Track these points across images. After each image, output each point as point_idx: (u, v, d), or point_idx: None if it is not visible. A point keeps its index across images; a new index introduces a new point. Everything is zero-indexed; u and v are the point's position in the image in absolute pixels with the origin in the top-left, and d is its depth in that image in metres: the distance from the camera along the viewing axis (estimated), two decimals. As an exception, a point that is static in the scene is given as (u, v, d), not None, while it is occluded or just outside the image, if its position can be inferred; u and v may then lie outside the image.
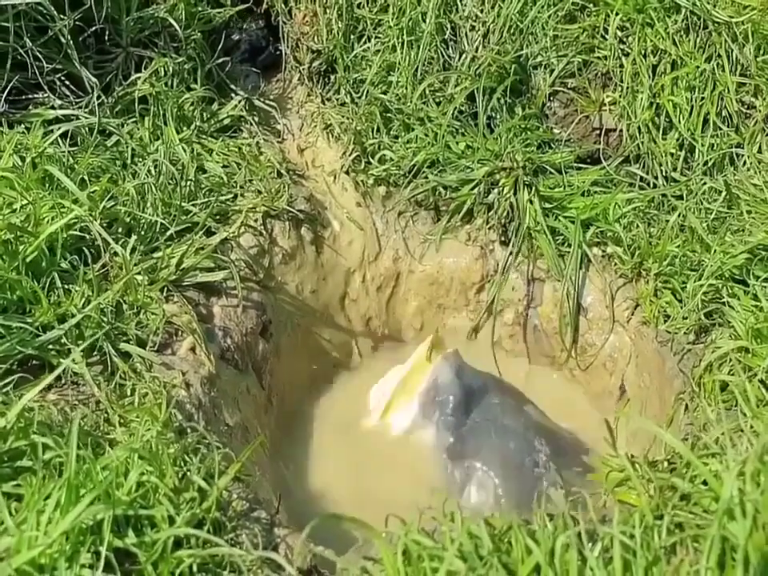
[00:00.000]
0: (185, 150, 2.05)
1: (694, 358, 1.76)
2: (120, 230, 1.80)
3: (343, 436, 1.98)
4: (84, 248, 1.70)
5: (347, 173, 2.27)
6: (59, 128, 1.96)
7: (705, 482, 1.28)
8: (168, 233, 1.82)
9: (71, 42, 2.08)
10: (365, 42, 2.36)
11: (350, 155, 2.27)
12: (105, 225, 1.75)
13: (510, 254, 2.13)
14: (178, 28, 2.22)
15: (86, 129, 2.02)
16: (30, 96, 2.06)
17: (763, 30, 2.07)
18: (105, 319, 1.59)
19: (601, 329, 2.04)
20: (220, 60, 2.32)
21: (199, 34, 2.30)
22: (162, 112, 2.14)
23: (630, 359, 1.99)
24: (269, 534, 1.31)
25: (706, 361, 1.68)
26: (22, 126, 1.98)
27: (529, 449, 1.84)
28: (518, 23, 2.23)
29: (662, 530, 1.19)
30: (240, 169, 2.12)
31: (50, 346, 1.51)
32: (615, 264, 2.03)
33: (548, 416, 1.98)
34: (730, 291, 1.78)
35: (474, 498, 1.81)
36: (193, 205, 1.92)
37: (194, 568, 1.16)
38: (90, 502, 1.13)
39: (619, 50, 2.17)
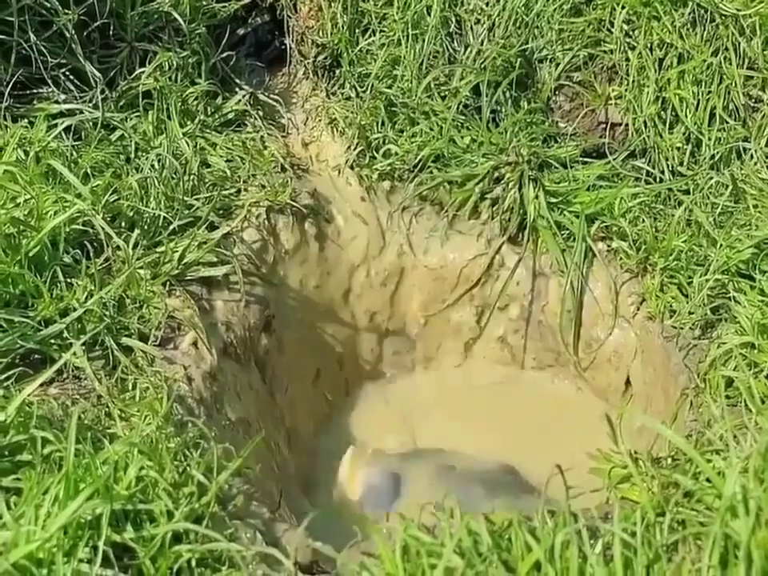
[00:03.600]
0: (188, 145, 2.04)
1: (699, 354, 1.75)
2: (123, 224, 1.79)
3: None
4: (87, 242, 1.70)
5: (351, 167, 2.26)
6: (63, 122, 1.95)
7: (708, 479, 1.27)
8: (171, 227, 1.81)
9: (75, 36, 2.07)
10: (370, 36, 2.35)
11: (354, 149, 2.26)
12: (108, 219, 1.75)
13: (516, 248, 2.12)
14: (182, 22, 2.22)
15: (90, 123, 2.01)
16: (34, 90, 2.05)
17: (771, 23, 2.05)
18: (107, 313, 1.59)
19: (606, 324, 2.03)
20: (224, 54, 2.31)
21: (204, 28, 2.28)
22: (165, 106, 2.13)
23: (635, 354, 1.98)
24: (269, 529, 1.31)
25: (711, 356, 1.67)
26: (26, 120, 1.97)
27: None
28: (524, 16, 2.21)
29: (664, 527, 1.18)
30: (244, 163, 2.11)
31: (52, 341, 1.51)
32: (621, 259, 2.01)
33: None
34: (737, 286, 1.76)
35: None
36: (196, 199, 1.91)
37: (193, 563, 1.16)
38: (89, 497, 1.13)
39: (625, 44, 2.15)
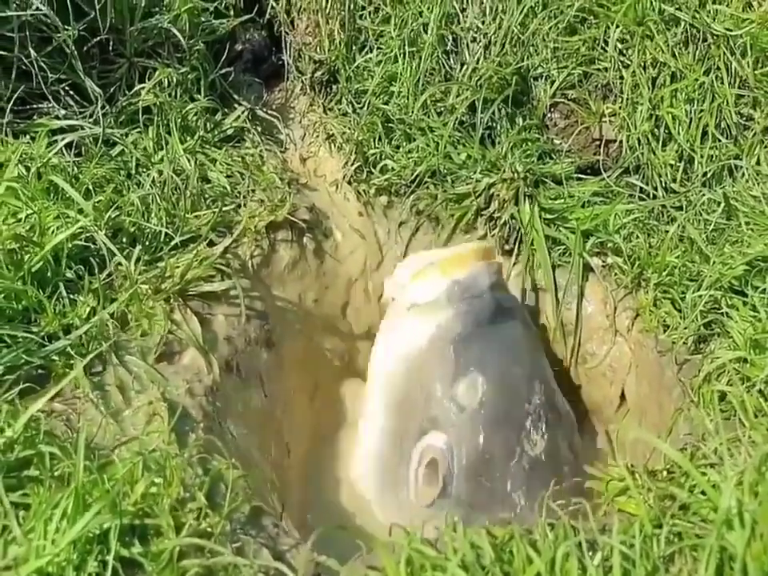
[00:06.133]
0: (189, 161, 2.06)
1: (693, 368, 1.77)
2: (125, 239, 1.80)
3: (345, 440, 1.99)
4: (89, 258, 1.72)
5: (349, 183, 2.29)
6: (64, 138, 1.97)
7: (704, 492, 1.30)
8: (172, 243, 1.83)
9: (75, 52, 2.08)
10: (367, 53, 2.38)
11: (351, 165, 2.28)
12: (110, 235, 1.76)
13: (512, 264, 2.15)
14: (181, 38, 2.23)
15: (91, 139, 2.03)
16: (35, 106, 2.06)
17: (762, 43, 2.09)
18: (109, 329, 1.60)
19: (601, 338, 2.05)
20: (223, 70, 2.34)
21: (202, 44, 2.30)
22: (165, 122, 2.14)
23: (629, 369, 2.00)
24: (274, 543, 1.32)
25: (705, 371, 1.69)
26: (27, 136, 1.98)
27: (528, 385, 1.82)
28: (520, 35, 2.24)
29: (661, 539, 1.20)
30: (243, 179, 2.12)
31: (55, 357, 1.53)
32: (615, 274, 2.04)
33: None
34: (729, 302, 1.79)
35: (459, 393, 1.80)
36: (196, 216, 1.93)
37: (200, 577, 1.18)
38: (97, 512, 1.15)
39: (619, 62, 2.19)
